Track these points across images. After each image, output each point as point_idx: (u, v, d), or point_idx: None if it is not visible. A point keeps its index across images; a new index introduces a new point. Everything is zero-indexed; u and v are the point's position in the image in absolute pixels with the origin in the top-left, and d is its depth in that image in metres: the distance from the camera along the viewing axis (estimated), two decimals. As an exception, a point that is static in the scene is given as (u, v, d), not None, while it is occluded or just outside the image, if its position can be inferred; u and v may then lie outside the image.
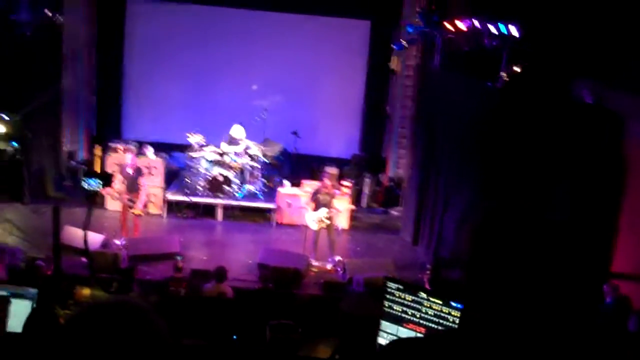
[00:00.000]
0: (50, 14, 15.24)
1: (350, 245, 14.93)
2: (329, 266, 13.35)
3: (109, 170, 15.25)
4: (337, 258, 13.49)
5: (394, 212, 16.94)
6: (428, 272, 12.30)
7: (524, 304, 1.85)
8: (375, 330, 5.21)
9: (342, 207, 14.31)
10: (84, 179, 6.22)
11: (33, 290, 6.09)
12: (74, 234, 12.38)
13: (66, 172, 17.21)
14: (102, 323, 1.73)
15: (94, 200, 6.24)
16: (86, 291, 8.13)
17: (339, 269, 13.25)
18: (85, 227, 5.85)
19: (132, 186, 13.58)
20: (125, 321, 1.75)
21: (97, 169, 16.24)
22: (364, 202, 17.26)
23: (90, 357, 1.68)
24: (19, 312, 5.83)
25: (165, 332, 1.80)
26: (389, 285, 5.68)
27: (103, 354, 1.69)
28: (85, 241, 5.98)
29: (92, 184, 6.18)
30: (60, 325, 1.82)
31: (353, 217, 16.00)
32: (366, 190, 17.27)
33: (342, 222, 15.29)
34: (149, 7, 18.76)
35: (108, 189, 13.37)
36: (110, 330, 1.72)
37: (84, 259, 11.56)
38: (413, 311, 5.55)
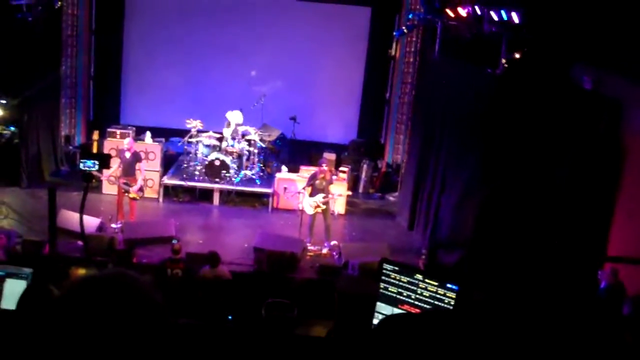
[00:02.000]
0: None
1: (347, 230, 14.95)
2: (324, 250, 13.37)
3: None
4: (333, 242, 13.52)
5: (391, 198, 16.95)
6: (423, 256, 12.32)
7: (523, 283, 1.85)
8: (371, 310, 5.20)
9: (339, 193, 14.32)
10: (80, 160, 6.20)
11: (28, 270, 6.08)
12: (70, 217, 12.37)
13: (63, 156, 17.20)
14: (97, 294, 1.70)
15: (91, 181, 6.23)
16: (81, 272, 8.12)
17: (334, 253, 13.28)
18: (81, 207, 5.84)
19: (129, 170, 13.59)
20: (120, 292, 1.72)
21: (95, 152, 16.21)
22: (362, 187, 17.24)
23: (85, 328, 1.66)
24: (14, 291, 5.82)
25: (162, 305, 1.77)
26: (384, 266, 5.67)
27: (98, 325, 1.66)
28: (81, 222, 5.96)
29: (89, 165, 6.17)
30: (54, 300, 1.78)
31: (350, 202, 15.99)
32: (364, 175, 17.26)
33: (339, 207, 15.29)
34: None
35: (105, 173, 13.43)
36: (106, 301, 1.69)
37: (80, 242, 11.58)
38: (409, 292, 5.54)
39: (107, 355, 1.65)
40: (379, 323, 1.92)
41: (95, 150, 15.90)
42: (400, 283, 5.56)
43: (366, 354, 1.89)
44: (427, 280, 5.47)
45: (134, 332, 1.68)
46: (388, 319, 1.94)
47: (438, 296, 5.41)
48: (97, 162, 6.23)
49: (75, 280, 1.77)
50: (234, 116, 16.19)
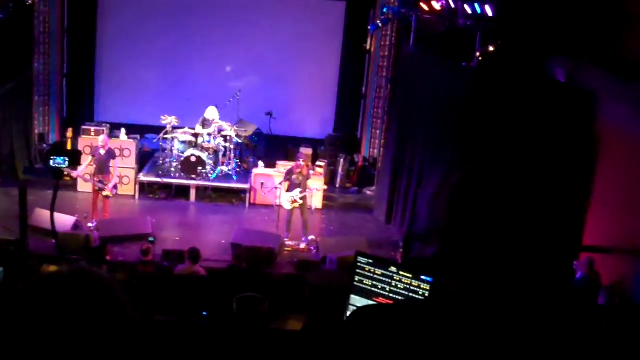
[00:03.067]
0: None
1: (324, 224, 14.92)
2: (302, 245, 13.36)
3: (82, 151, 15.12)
4: (311, 237, 13.51)
5: (368, 192, 16.96)
6: (401, 250, 12.32)
7: (497, 273, 1.82)
8: (344, 303, 5.19)
9: (316, 187, 14.30)
10: (50, 157, 6.12)
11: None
12: (44, 215, 12.25)
13: (37, 154, 17.03)
14: (55, 291, 1.66)
15: (61, 178, 6.15)
16: (53, 269, 8.01)
17: (312, 248, 13.27)
18: (52, 204, 5.76)
19: (104, 168, 13.48)
20: (80, 288, 1.68)
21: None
22: (339, 182, 17.23)
23: (43, 324, 1.61)
24: (-16, 290, 5.75)
25: (127, 302, 1.73)
26: (359, 259, 5.65)
27: (56, 321, 1.61)
28: (52, 219, 5.87)
29: (59, 162, 6.09)
30: (14, 295, 1.74)
31: (327, 196, 15.97)
32: (340, 170, 17.25)
33: (316, 202, 15.27)
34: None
35: (79, 170, 13.31)
36: (65, 297, 1.64)
37: (54, 241, 11.45)
38: (383, 285, 5.53)
39: (67, 352, 1.61)
40: (351, 314, 1.89)
41: (69, 148, 15.74)
42: (375, 276, 5.55)
43: (338, 345, 1.86)
44: (401, 273, 5.46)
45: (95, 329, 1.64)
46: (360, 309, 1.92)
47: (412, 288, 5.41)
48: (67, 159, 6.15)
49: (37, 277, 1.73)
50: (210, 112, 16.12)
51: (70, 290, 1.66)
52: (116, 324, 1.68)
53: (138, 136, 17.08)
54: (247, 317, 6.21)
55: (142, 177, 15.76)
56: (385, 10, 16.18)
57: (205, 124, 16.11)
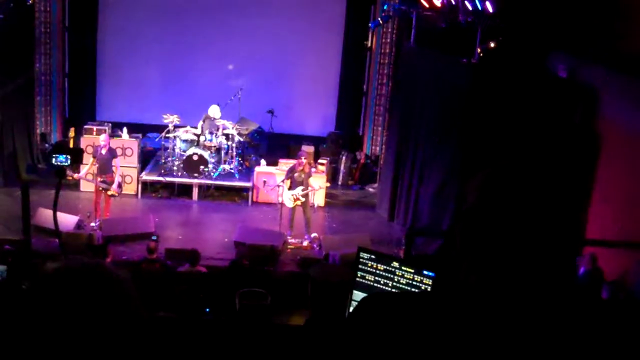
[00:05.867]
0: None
1: (327, 222, 14.93)
2: (305, 243, 13.37)
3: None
4: (313, 235, 13.52)
5: (371, 189, 16.95)
6: (404, 247, 12.33)
7: (512, 266, 1.83)
8: (346, 297, 5.21)
9: (318, 185, 14.31)
10: (52, 155, 6.15)
11: (2, 267, 6.04)
12: (47, 215, 12.26)
13: (40, 154, 17.05)
14: (68, 284, 1.67)
15: (64, 177, 6.17)
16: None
17: (315, 246, 13.28)
18: (55, 203, 5.78)
19: (106, 167, 13.47)
20: (91, 282, 1.69)
21: (70, 149, 16.07)
22: (341, 179, 17.23)
23: (54, 318, 1.63)
24: (-13, 288, 5.78)
25: (135, 297, 1.74)
26: (361, 255, 5.67)
27: (67, 315, 1.63)
28: (55, 218, 5.90)
29: (61, 160, 6.11)
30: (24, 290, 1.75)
31: (329, 194, 15.98)
32: (342, 167, 17.25)
33: (319, 199, 15.28)
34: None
35: (82, 172, 13.34)
36: (76, 291, 1.66)
37: (57, 240, 11.47)
38: (385, 280, 5.55)
39: (79, 346, 1.63)
40: (360, 301, 1.89)
41: (71, 147, 15.73)
42: (377, 271, 5.57)
43: (346, 333, 1.87)
44: (403, 268, 5.48)
45: (105, 323, 1.65)
46: (368, 298, 1.92)
47: (415, 283, 5.43)
48: (69, 157, 6.18)
49: (47, 270, 1.74)
50: (212, 111, 16.14)
51: (83, 284, 1.68)
52: (125, 318, 1.69)
53: (140, 135, 17.09)
54: (249, 312, 6.23)
55: (145, 176, 15.77)
56: (385, 7, 16.19)
57: (208, 122, 16.12)
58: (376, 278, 5.56)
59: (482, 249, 1.85)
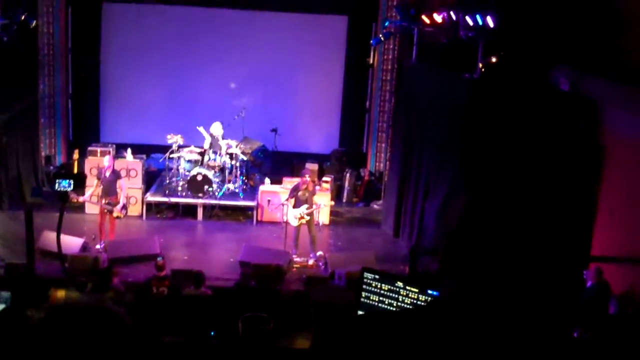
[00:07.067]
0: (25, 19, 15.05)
1: (332, 240, 14.90)
2: (310, 261, 13.34)
3: (87, 174, 15.15)
4: (319, 253, 13.49)
5: (375, 206, 16.93)
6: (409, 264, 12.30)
7: (504, 288, 1.83)
8: (350, 319, 5.18)
9: (322, 203, 14.30)
10: (55, 180, 6.16)
11: (6, 294, 6.03)
12: (52, 238, 12.22)
13: (45, 177, 17.06)
14: (67, 325, 1.71)
15: (67, 201, 6.17)
16: (61, 293, 8.03)
17: (320, 264, 13.24)
18: (58, 227, 5.78)
19: (110, 189, 13.48)
20: (91, 324, 1.72)
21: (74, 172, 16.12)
22: (345, 196, 17.21)
23: (55, 358, 1.65)
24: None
25: (136, 336, 1.77)
26: (365, 275, 5.66)
27: (68, 356, 1.65)
28: (58, 242, 5.89)
29: (64, 185, 6.12)
30: (28, 326, 1.78)
31: (334, 212, 15.97)
32: (347, 185, 17.24)
33: (323, 217, 15.26)
34: (124, 8, 18.62)
35: (86, 194, 13.36)
36: (77, 333, 1.70)
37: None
38: (390, 300, 5.53)
39: None
40: (349, 321, 1.91)
41: (75, 169, 15.79)
42: (382, 291, 5.55)
43: (346, 352, 1.88)
44: (408, 288, 5.46)
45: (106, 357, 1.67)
46: (360, 317, 1.94)
47: (419, 303, 5.40)
48: (72, 182, 6.18)
49: (51, 309, 1.78)
50: (216, 129, 16.16)
51: (87, 325, 1.70)
52: (127, 353, 1.72)
53: (144, 156, 17.14)
54: (252, 337, 6.21)
55: (149, 197, 15.79)
56: (387, 24, 16.25)
57: (211, 141, 16.15)
58: (380, 298, 5.54)
59: (463, 265, 1.88)
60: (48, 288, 8.29)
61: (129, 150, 16.52)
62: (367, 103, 18.97)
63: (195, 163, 16.07)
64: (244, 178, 16.55)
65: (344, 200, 17.12)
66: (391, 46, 17.23)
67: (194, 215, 15.66)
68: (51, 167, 17.46)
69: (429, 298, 5.36)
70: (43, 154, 17.50)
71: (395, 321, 1.93)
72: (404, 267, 12.53)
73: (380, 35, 16.15)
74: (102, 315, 1.75)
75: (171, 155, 16.05)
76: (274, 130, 18.07)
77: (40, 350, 1.66)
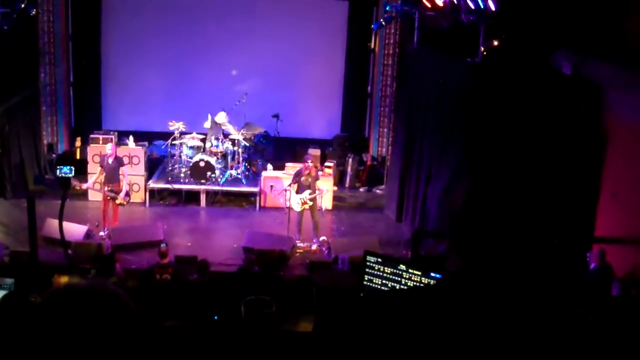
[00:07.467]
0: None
1: (335, 225, 14.93)
2: (314, 247, 13.38)
3: (89, 161, 15.18)
4: (322, 238, 13.52)
5: (378, 191, 16.92)
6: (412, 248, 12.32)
7: (508, 270, 1.84)
8: (352, 302, 5.19)
9: (325, 188, 14.31)
10: (56, 166, 6.16)
11: (10, 280, 6.05)
12: (55, 226, 12.26)
13: (47, 165, 17.07)
14: (69, 307, 1.71)
15: (69, 187, 6.18)
16: (64, 279, 8.05)
17: (324, 249, 13.28)
18: (60, 213, 5.79)
19: (113, 176, 13.49)
20: (92, 304, 1.73)
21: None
22: (348, 182, 17.20)
23: (58, 340, 1.66)
24: (-4, 301, 5.78)
25: (136, 316, 1.77)
26: (368, 259, 5.67)
27: (70, 336, 1.66)
28: (60, 228, 5.89)
29: (65, 171, 6.12)
30: (31, 310, 1.79)
31: (337, 197, 15.98)
32: (349, 170, 17.22)
33: (326, 202, 15.27)
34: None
35: (89, 182, 13.37)
36: (78, 313, 1.70)
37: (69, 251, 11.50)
38: (393, 283, 5.54)
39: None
40: (354, 301, 1.91)
41: (78, 157, 15.79)
42: (384, 274, 5.56)
43: (347, 334, 1.90)
44: (410, 270, 5.47)
45: (109, 341, 1.70)
46: (365, 297, 1.95)
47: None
48: (73, 168, 6.19)
49: (53, 291, 1.79)
50: (218, 116, 16.17)
51: (88, 305, 1.71)
52: (129, 338, 1.73)
53: (146, 143, 17.13)
54: (254, 320, 6.24)
55: (152, 184, 15.81)
56: (388, 8, 16.16)
57: (214, 128, 16.15)
58: (383, 281, 5.55)
59: (469, 246, 1.89)
60: (52, 275, 8.32)
61: (131, 137, 16.52)
62: (369, 88, 18.94)
63: (197, 149, 16.08)
64: (247, 164, 16.55)
65: (347, 185, 17.10)
66: (392, 31, 17.14)
67: (197, 202, 15.68)
68: (53, 155, 17.45)
69: (432, 281, 5.37)
70: (45, 142, 17.47)
71: (398, 301, 1.94)
72: (407, 251, 12.56)
73: (382, 20, 16.07)
74: (103, 295, 1.75)
75: (173, 142, 16.06)
76: (276, 116, 18.04)
77: (42, 331, 1.67)
